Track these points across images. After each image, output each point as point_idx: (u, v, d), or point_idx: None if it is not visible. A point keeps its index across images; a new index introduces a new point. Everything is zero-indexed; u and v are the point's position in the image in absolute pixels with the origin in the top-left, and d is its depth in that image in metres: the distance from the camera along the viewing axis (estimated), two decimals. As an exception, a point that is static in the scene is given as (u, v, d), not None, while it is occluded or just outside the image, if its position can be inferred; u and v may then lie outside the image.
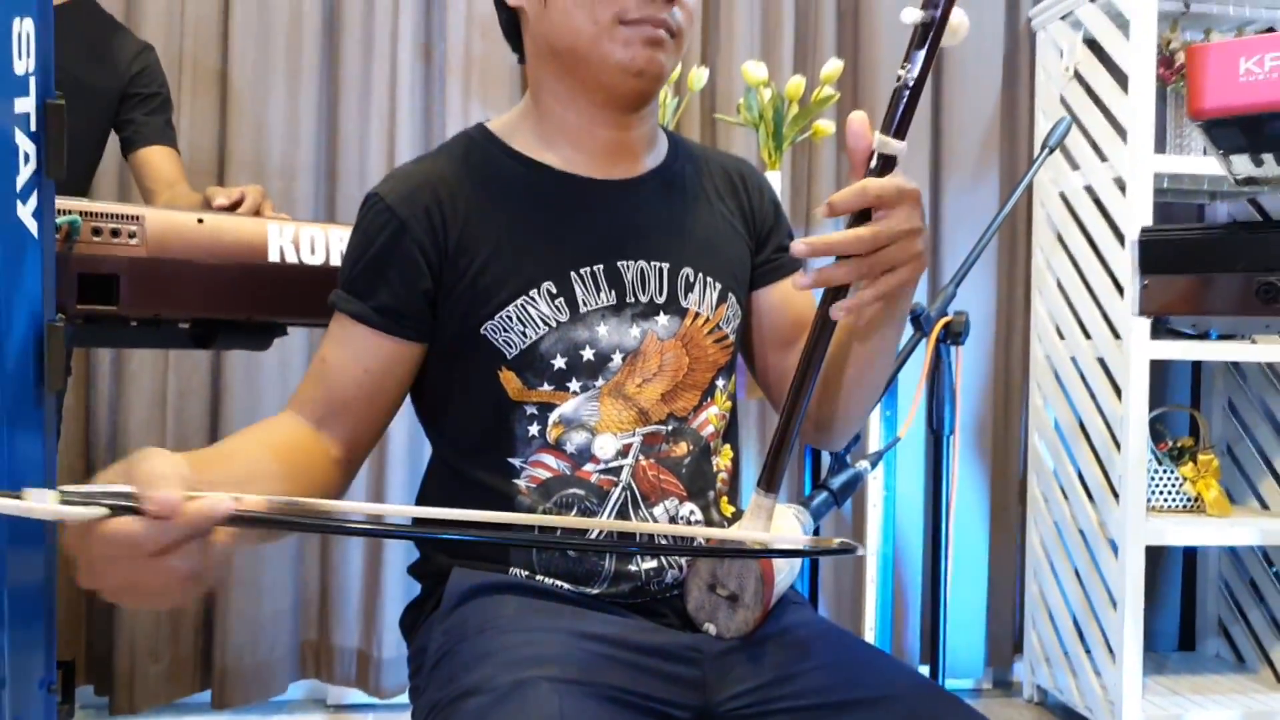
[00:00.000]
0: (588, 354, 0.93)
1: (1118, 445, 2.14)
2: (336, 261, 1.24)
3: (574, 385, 0.93)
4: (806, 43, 2.40)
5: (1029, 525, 2.49)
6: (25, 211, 0.94)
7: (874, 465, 1.12)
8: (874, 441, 1.84)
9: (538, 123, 0.99)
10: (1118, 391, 2.14)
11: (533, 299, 0.92)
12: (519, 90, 2.32)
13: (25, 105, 0.94)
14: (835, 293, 0.82)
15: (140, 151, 1.72)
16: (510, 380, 0.92)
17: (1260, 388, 2.38)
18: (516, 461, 0.93)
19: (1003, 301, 2.52)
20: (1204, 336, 2.09)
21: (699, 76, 1.91)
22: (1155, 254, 1.24)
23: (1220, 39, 2.30)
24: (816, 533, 1.12)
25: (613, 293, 0.94)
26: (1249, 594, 2.44)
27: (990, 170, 2.49)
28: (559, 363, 0.92)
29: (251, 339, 1.38)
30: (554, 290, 0.92)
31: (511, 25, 1.00)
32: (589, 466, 0.93)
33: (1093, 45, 2.29)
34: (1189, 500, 2.29)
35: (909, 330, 1.24)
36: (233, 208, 1.36)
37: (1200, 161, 2.16)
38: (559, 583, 0.92)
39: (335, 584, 2.30)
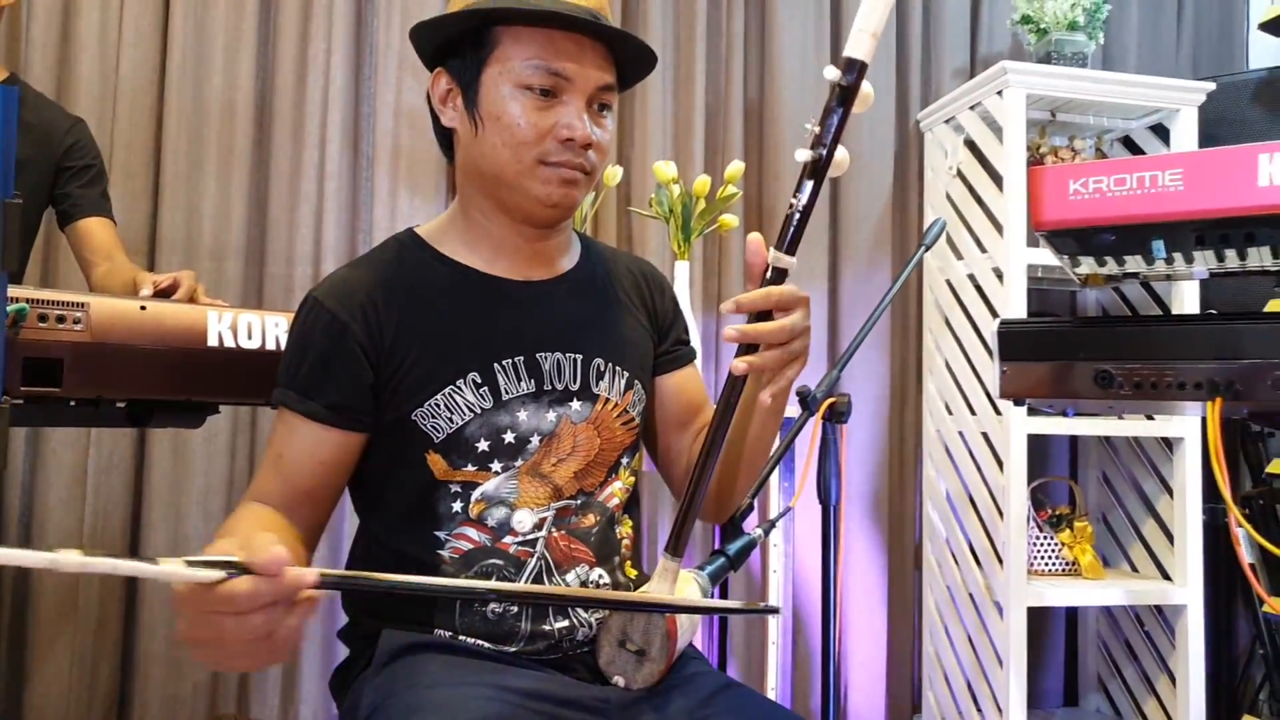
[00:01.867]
0: (509, 437, 1.04)
1: (1001, 514, 2.31)
2: (271, 346, 1.33)
3: (495, 466, 1.03)
4: (715, 144, 2.59)
5: (924, 590, 2.65)
6: (-17, 303, 1.01)
7: (767, 532, 1.24)
8: (771, 510, 1.97)
9: (464, 229, 1.11)
10: (1000, 464, 2.32)
11: (459, 388, 1.03)
12: (444, 179, 2.44)
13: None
14: (736, 381, 0.96)
15: (77, 224, 1.77)
16: (437, 462, 1.03)
17: (1129, 460, 2.59)
18: (441, 534, 1.03)
19: (896, 380, 2.70)
20: (1063, 414, 2.29)
21: (614, 174, 2.06)
22: (1012, 344, 1.42)
23: (1082, 144, 2.56)
24: (724, 594, 1.24)
25: (532, 381, 1.06)
26: (1124, 652, 2.62)
27: (883, 260, 2.69)
28: (482, 445, 1.03)
29: (186, 417, 1.45)
30: (479, 380, 1.03)
31: (444, 136, 1.12)
32: (508, 539, 1.03)
33: (973, 147, 2.52)
34: (1067, 565, 2.47)
35: (798, 409, 1.38)
36: (165, 293, 1.43)
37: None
38: (480, 642, 1.01)
39: (254, 657, 2.31)
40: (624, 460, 1.12)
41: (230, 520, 0.98)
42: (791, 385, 1.03)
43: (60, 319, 1.20)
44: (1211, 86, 2.41)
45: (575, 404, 1.08)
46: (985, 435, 2.39)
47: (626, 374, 1.13)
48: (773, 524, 1.29)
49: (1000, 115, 2.36)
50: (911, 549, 2.68)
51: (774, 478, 1.93)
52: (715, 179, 2.15)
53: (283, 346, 1.34)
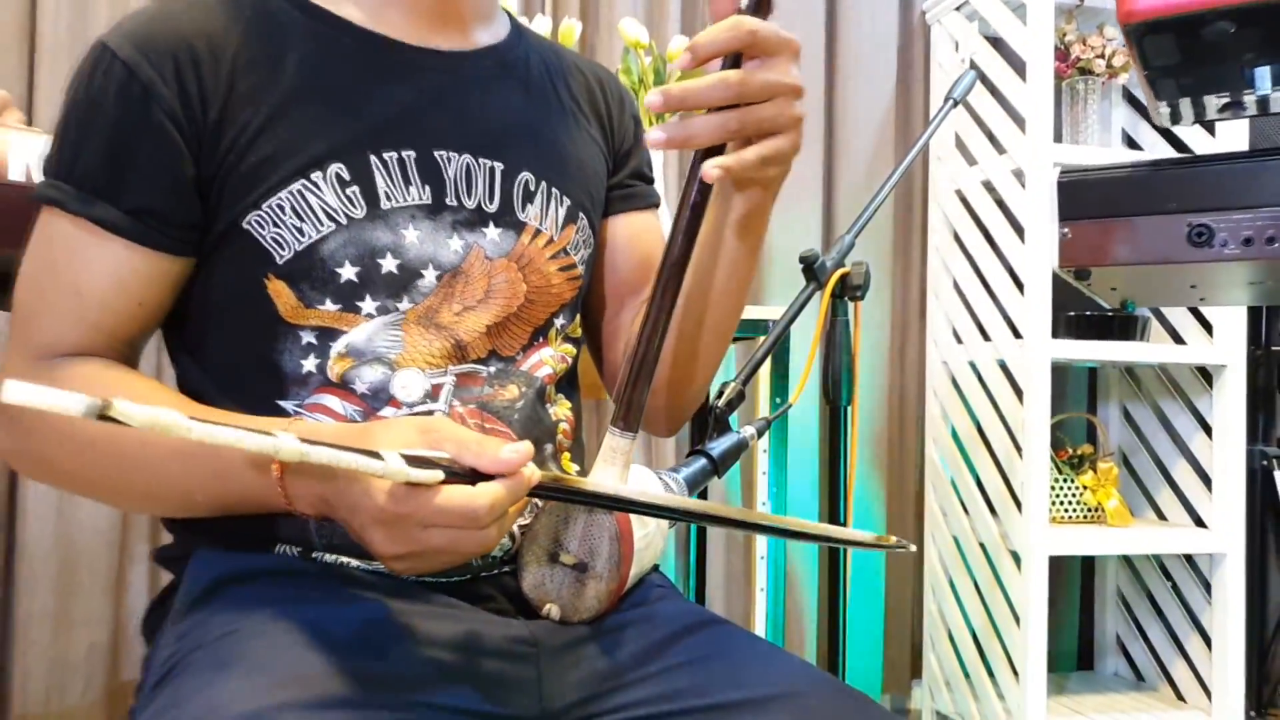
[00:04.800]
0: (389, 264, 0.71)
1: (1019, 451, 2.01)
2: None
3: (368, 305, 0.71)
4: (695, 2, 2.24)
5: (926, 541, 2.35)
6: None
7: (760, 433, 0.93)
8: (762, 408, 1.65)
9: None
10: (1019, 395, 2.02)
11: (314, 185, 0.70)
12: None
13: None
14: (702, 189, 0.65)
15: None
16: (281, 294, 0.70)
17: (1155, 392, 2.30)
18: (288, 405, 0.71)
19: (897, 308, 2.40)
20: (1121, 310, 1.99)
21: (570, 30, 1.72)
22: (1077, 198, 1.09)
23: (1114, 32, 2.25)
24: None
25: (427, 189, 0.73)
26: (1147, 609, 2.33)
27: (884, 167, 2.37)
28: (348, 272, 0.71)
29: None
30: (344, 175, 0.71)
31: None
32: (388, 411, 0.71)
33: (988, 39, 2.20)
34: (1089, 510, 2.18)
35: (801, 280, 1.07)
36: None
37: (1098, 152, 2.08)
38: (346, 560, 0.69)
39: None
40: (559, 321, 0.80)
41: (80, 382, 0.68)
42: (775, 187, 0.73)
43: None
44: (1264, -37, 2.09)
45: (491, 230, 0.76)
46: (1002, 364, 2.09)
47: (568, 201, 0.81)
48: (768, 423, 0.98)
49: (1023, -8, 2.04)
50: (912, 497, 2.38)
51: (763, 370, 1.61)
52: (695, 45, 1.81)
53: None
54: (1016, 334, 2.05)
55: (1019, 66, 2.07)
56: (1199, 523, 2.16)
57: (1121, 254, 1.08)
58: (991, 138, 2.16)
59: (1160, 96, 1.07)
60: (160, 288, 0.72)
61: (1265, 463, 2.22)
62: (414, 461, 0.55)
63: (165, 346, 0.78)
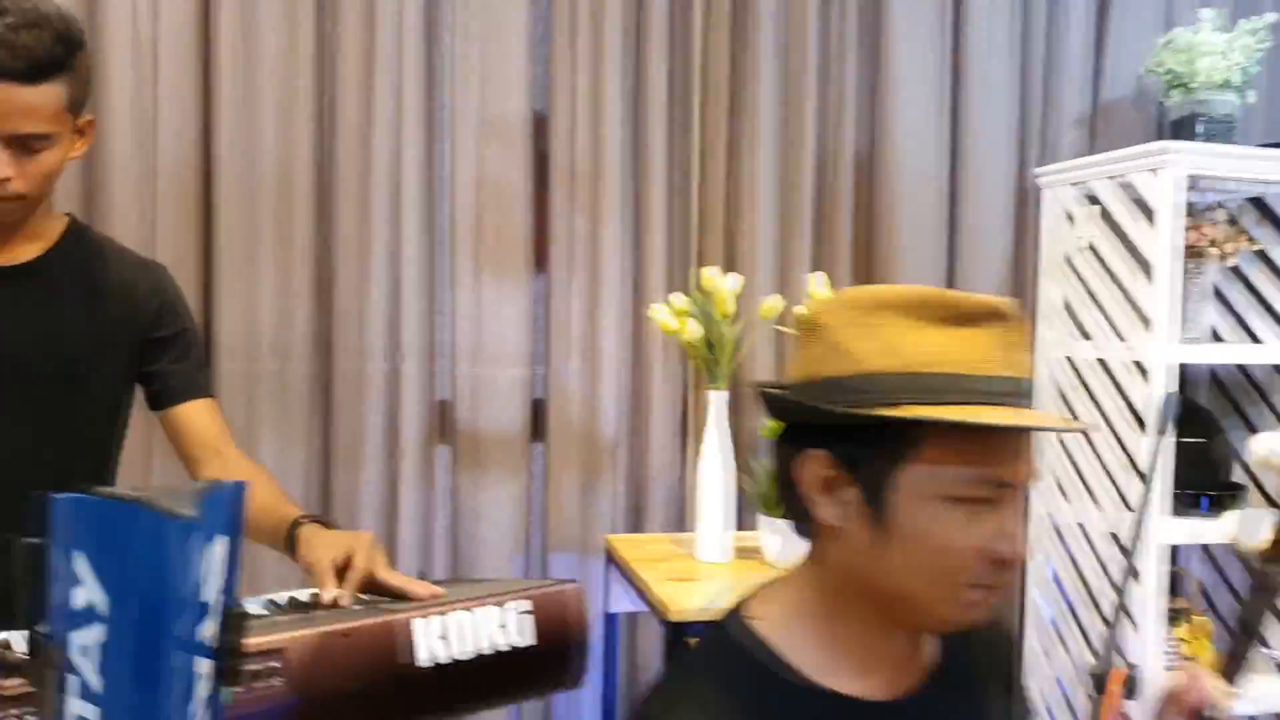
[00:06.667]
0: None
1: (1135, 626, 2.18)
2: (487, 647, 1.10)
3: None
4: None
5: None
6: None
7: None
8: None
9: (824, 633, 0.87)
10: (1134, 572, 2.17)
11: None
12: (530, 260, 2.16)
13: (209, 629, 0.77)
14: None
15: (173, 411, 1.42)
16: None
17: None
18: None
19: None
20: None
21: (773, 307, 1.80)
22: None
23: (1222, 215, 2.37)
24: None
25: None
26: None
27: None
28: None
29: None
30: None
31: (805, 514, 0.88)
32: None
33: (1107, 216, 2.30)
34: (1186, 661, 2.37)
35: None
36: (343, 572, 1.16)
37: (1214, 349, 2.21)
38: None
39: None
40: None
41: None
42: None
43: (256, 676, 0.95)
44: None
45: None
46: (1114, 535, 2.24)
47: None
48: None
49: (1150, 194, 2.14)
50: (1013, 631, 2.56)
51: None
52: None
53: (498, 646, 1.11)
54: (1129, 505, 2.20)
55: (1140, 259, 2.18)
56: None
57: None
58: (1110, 322, 2.27)
59: None
60: None
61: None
62: None
63: None
